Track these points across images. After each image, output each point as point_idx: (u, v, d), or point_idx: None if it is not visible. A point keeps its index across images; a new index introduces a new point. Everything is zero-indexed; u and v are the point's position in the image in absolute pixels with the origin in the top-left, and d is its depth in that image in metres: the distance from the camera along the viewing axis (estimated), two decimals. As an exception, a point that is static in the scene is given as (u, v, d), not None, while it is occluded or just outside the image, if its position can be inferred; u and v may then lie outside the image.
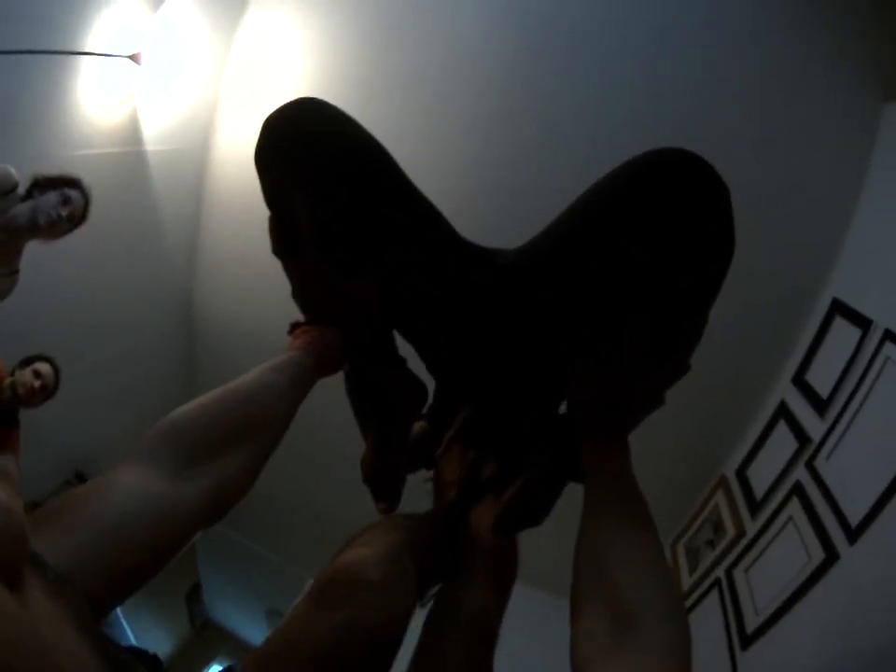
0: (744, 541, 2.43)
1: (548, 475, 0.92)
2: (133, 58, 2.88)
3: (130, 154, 3.20)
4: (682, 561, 2.86)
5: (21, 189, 2.16)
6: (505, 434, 0.99)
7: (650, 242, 0.69)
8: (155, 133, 3.28)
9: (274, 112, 0.75)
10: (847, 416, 2.09)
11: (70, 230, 2.28)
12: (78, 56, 2.74)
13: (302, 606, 0.67)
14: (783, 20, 2.56)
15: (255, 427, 0.72)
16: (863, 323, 2.20)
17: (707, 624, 2.35)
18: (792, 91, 2.63)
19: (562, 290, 0.76)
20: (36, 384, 2.53)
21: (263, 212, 0.86)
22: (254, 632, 6.20)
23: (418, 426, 1.11)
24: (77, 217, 2.27)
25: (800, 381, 2.56)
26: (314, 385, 0.85)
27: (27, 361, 2.59)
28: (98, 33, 2.77)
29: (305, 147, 0.75)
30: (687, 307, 0.73)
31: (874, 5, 2.44)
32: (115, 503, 0.53)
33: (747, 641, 2.09)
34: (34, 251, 2.29)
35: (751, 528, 2.43)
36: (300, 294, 0.89)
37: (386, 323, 0.92)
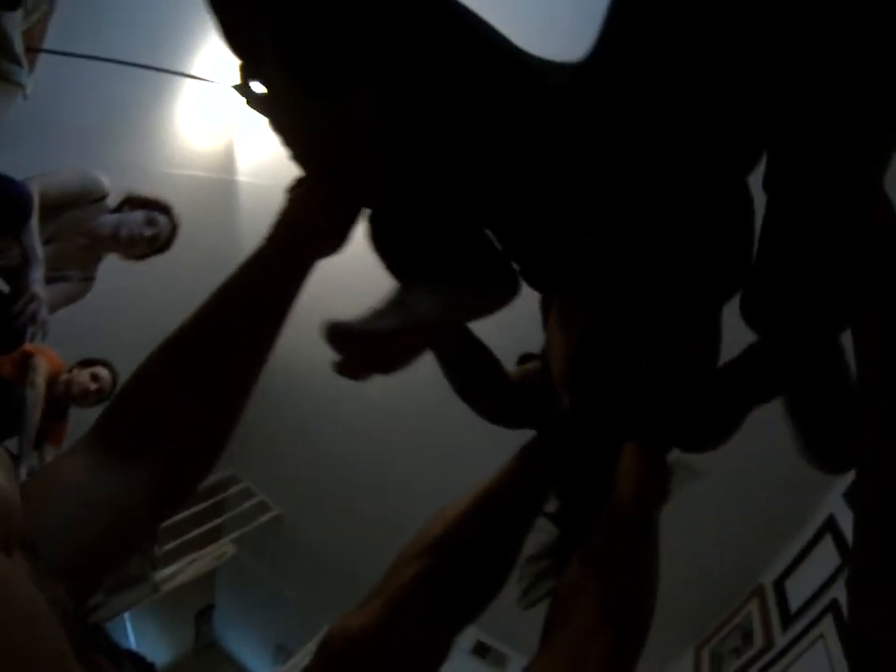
0: (771, 654, 2.33)
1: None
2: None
3: (222, 182, 3.28)
4: (706, 667, 2.75)
5: (112, 202, 2.17)
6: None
7: None
8: (248, 166, 3.36)
9: None
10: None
11: (150, 254, 2.25)
12: (183, 77, 2.86)
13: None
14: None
15: (209, 391, 0.58)
16: None
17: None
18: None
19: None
20: (93, 386, 2.54)
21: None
22: (258, 664, 6.03)
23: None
24: (161, 243, 2.24)
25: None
26: (310, 270, 0.66)
27: (87, 363, 2.60)
28: (205, 57, 2.87)
29: None
30: None
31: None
32: (54, 503, 0.46)
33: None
34: (114, 262, 2.29)
35: (781, 641, 2.32)
36: (286, 140, 0.63)
37: (398, 161, 0.61)
